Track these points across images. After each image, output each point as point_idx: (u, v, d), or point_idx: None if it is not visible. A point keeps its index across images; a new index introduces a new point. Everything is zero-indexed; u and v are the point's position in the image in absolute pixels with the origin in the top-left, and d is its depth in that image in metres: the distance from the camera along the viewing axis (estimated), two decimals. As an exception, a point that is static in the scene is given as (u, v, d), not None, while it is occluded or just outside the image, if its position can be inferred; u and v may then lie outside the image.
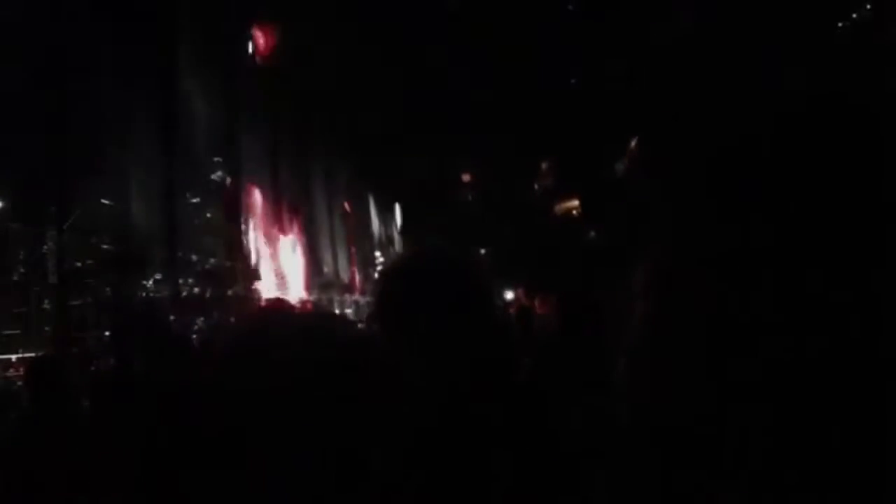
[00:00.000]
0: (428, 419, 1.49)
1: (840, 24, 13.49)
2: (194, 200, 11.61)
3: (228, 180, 13.07)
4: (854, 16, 13.28)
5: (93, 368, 7.17)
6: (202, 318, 10.62)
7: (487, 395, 1.50)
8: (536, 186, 24.60)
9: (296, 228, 17.15)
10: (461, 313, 1.56)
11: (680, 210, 0.72)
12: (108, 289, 8.22)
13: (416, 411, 1.51)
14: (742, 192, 0.67)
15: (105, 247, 8.73)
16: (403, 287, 1.64)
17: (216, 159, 12.88)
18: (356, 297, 20.68)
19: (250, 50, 14.73)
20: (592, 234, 21.15)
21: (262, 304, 11.78)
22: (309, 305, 15.61)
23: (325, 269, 19.51)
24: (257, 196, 14.62)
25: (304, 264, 17.48)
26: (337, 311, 18.32)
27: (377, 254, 24.63)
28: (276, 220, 15.70)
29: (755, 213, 0.65)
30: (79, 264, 8.16)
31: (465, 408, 1.48)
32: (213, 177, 12.64)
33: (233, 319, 11.57)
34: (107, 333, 7.64)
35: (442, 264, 1.67)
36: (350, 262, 22.34)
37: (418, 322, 1.57)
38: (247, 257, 13.47)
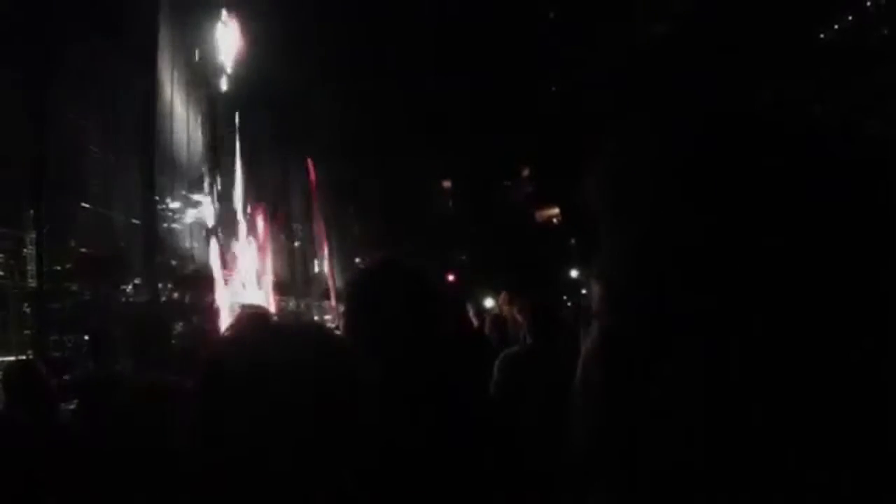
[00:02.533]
0: (384, 424, 1.52)
1: (822, 35, 13.65)
2: (174, 205, 11.55)
3: (208, 185, 13.00)
4: (836, 26, 13.45)
5: (69, 373, 7.13)
6: (182, 323, 10.56)
7: (441, 399, 1.55)
8: (516, 193, 24.64)
9: (275, 234, 17.07)
10: (414, 320, 1.65)
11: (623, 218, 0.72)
12: (87, 293, 8.15)
13: (374, 416, 1.55)
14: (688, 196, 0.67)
15: (84, 250, 8.66)
16: (361, 294, 1.76)
17: (197, 164, 12.83)
18: (334, 302, 20.58)
19: (229, 53, 14.68)
20: (573, 241, 21.22)
21: (241, 310, 11.70)
22: (286, 312, 15.55)
23: (305, 275, 19.44)
24: (237, 201, 14.56)
25: (282, 270, 17.40)
26: (316, 317, 18.29)
27: (357, 260, 24.55)
28: (256, 226, 15.63)
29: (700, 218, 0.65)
30: (58, 268, 8.09)
31: (417, 409, 1.54)
32: (194, 181, 12.58)
33: (213, 325, 11.51)
34: (86, 337, 7.57)
35: (398, 274, 1.75)
36: (329, 268, 22.24)
37: (373, 327, 1.66)
38: (227, 263, 13.39)
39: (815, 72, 13.30)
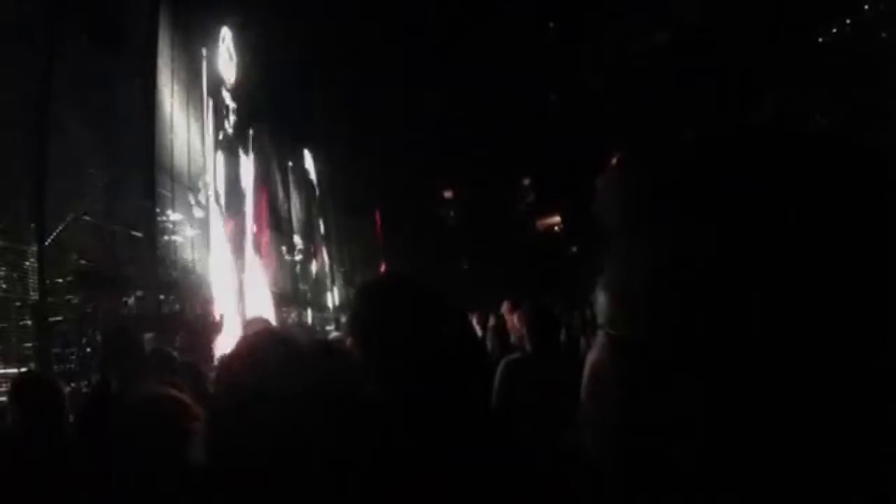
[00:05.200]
0: (389, 434, 1.54)
1: (820, 39, 13.69)
2: (176, 217, 11.56)
3: (210, 197, 13.02)
4: (834, 30, 13.49)
5: (72, 385, 7.14)
6: (183, 336, 10.55)
7: (445, 410, 1.56)
8: (517, 202, 24.68)
9: (277, 246, 17.11)
10: (419, 332, 1.64)
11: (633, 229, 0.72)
12: (89, 305, 8.15)
13: (379, 426, 1.56)
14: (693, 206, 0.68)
15: (84, 262, 8.66)
16: (367, 308, 1.76)
17: (198, 177, 12.85)
18: (338, 314, 20.65)
19: (230, 65, 14.73)
20: (574, 249, 21.25)
21: (244, 322, 11.71)
22: (287, 324, 15.56)
23: (306, 287, 19.47)
24: (239, 213, 14.59)
25: (284, 282, 17.43)
26: (318, 328, 18.31)
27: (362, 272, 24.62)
28: (258, 238, 15.66)
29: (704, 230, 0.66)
30: (60, 281, 8.09)
31: (422, 422, 1.54)
32: (195, 194, 12.60)
33: (218, 339, 11.52)
34: (88, 350, 7.58)
35: (405, 287, 1.76)
36: (332, 280, 22.29)
37: (379, 340, 1.66)
38: (228, 275, 13.41)
39: (815, 78, 13.33)
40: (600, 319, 0.74)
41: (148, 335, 8.37)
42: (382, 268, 25.52)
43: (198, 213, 12.48)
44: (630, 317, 0.70)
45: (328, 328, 19.22)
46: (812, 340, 0.62)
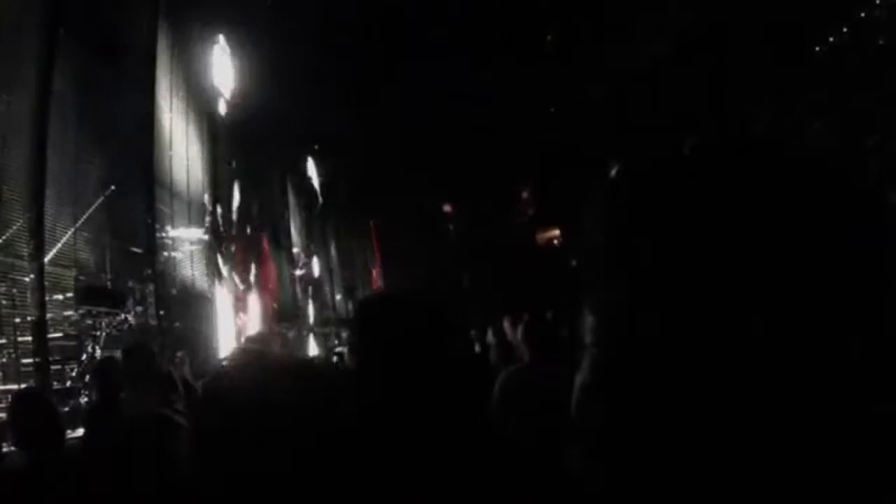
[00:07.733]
0: (389, 444, 1.53)
1: (817, 48, 13.74)
2: (174, 233, 11.58)
3: (211, 212, 13.05)
4: (831, 39, 13.53)
5: (71, 403, 7.13)
6: (183, 351, 10.56)
7: (443, 420, 1.55)
8: (517, 215, 24.73)
9: (279, 262, 17.13)
10: (422, 347, 1.64)
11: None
12: (89, 322, 8.14)
13: (379, 438, 1.55)
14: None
15: (83, 279, 8.67)
16: (367, 323, 1.76)
17: (199, 192, 12.89)
18: (341, 329, 20.64)
19: (230, 84, 14.78)
20: (574, 262, 21.24)
21: (245, 338, 11.71)
22: (287, 339, 15.57)
23: (310, 302, 19.48)
24: (239, 228, 14.61)
25: (284, 298, 17.43)
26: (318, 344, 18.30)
27: (362, 286, 24.65)
28: (259, 253, 15.67)
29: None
30: (59, 297, 8.09)
31: (420, 432, 1.54)
32: (196, 210, 12.63)
33: (215, 354, 11.52)
34: (87, 367, 7.56)
35: (404, 302, 1.77)
36: (336, 294, 22.31)
37: (378, 354, 1.66)
38: (229, 290, 13.41)
39: (813, 86, 13.38)
40: (586, 339, 0.74)
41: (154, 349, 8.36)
42: (378, 283, 25.53)
43: (198, 229, 12.50)
44: (614, 336, 0.70)
45: (331, 342, 19.23)
46: (793, 358, 0.62)
